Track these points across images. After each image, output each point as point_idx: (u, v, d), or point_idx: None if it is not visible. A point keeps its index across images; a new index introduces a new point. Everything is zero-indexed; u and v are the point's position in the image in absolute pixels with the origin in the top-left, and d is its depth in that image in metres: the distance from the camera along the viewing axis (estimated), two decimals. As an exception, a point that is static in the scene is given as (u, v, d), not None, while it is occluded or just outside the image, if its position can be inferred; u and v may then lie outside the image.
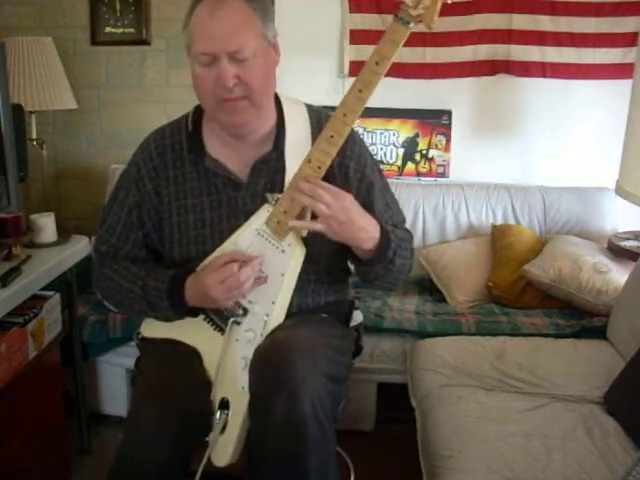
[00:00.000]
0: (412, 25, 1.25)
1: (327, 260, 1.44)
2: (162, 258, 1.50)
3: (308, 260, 1.38)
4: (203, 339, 1.41)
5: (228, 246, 1.39)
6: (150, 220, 1.47)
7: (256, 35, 1.31)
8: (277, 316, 1.35)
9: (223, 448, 1.33)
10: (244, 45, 1.28)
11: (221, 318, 1.39)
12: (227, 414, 1.33)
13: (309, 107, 1.48)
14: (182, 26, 1.35)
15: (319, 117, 1.45)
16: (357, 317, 1.57)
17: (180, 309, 1.39)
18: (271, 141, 1.42)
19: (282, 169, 1.39)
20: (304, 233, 1.35)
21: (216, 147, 1.43)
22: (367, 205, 1.44)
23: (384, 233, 1.36)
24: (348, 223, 1.29)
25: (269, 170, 1.42)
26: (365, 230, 1.33)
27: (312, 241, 1.36)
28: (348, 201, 1.30)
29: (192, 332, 1.43)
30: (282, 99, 1.46)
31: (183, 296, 1.37)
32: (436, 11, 1.24)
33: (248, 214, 1.39)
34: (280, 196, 1.33)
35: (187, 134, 1.45)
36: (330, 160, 1.31)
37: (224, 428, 1.33)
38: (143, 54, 2.96)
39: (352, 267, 1.52)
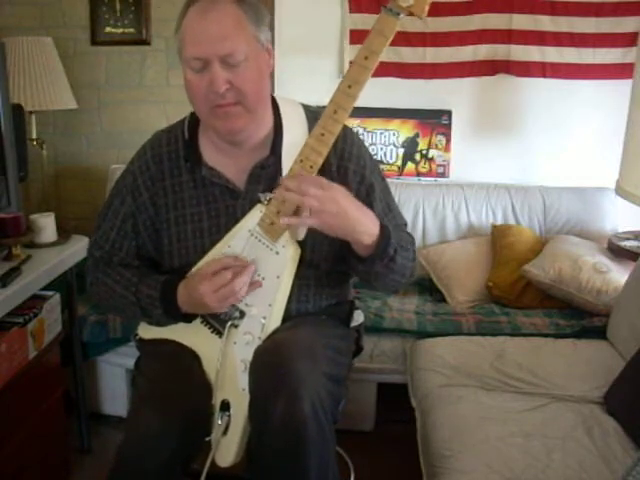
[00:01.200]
0: (402, 16, 1.21)
1: (327, 265, 1.43)
2: (158, 266, 1.49)
3: (308, 265, 1.37)
4: (201, 342, 1.41)
5: (221, 248, 1.37)
6: (146, 230, 1.45)
7: (248, 39, 1.28)
8: (274, 318, 1.34)
9: (226, 449, 1.33)
10: (236, 49, 1.26)
11: (218, 321, 1.38)
12: (229, 415, 1.33)
13: (306, 108, 1.46)
14: (174, 30, 1.33)
15: (317, 118, 1.44)
16: (358, 317, 1.57)
17: (174, 315, 1.39)
18: (268, 146, 1.40)
19: (280, 174, 1.37)
20: (301, 236, 1.33)
21: (212, 155, 1.42)
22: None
23: (384, 229, 1.31)
24: (342, 214, 1.24)
25: (267, 176, 1.40)
26: (362, 223, 1.27)
27: (312, 246, 1.35)
28: (339, 193, 1.25)
29: (190, 335, 1.42)
30: (279, 101, 1.44)
31: (176, 302, 1.36)
32: (427, 2, 1.20)
33: None
34: (272, 196, 1.31)
35: (183, 142, 1.43)
36: (322, 159, 1.28)
37: (226, 429, 1.33)
38: (143, 54, 2.96)
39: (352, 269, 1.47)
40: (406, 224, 1.54)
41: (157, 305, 1.38)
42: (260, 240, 1.33)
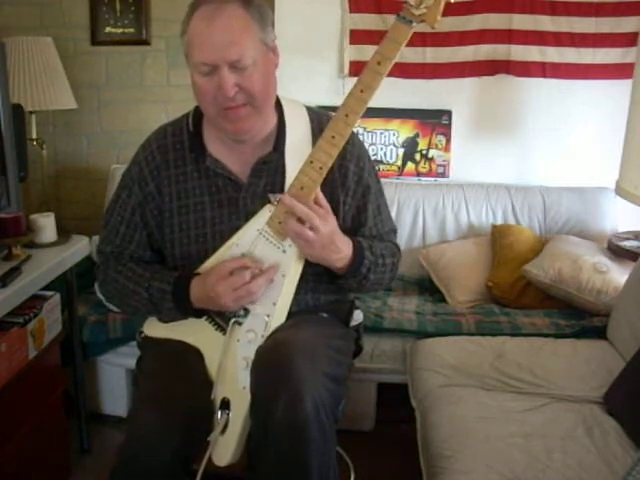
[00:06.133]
0: (415, 24, 1.25)
1: None
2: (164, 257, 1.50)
3: (308, 261, 1.38)
4: (205, 339, 1.41)
5: (229, 246, 1.39)
6: (153, 219, 1.47)
7: (255, 42, 1.30)
8: (278, 317, 1.35)
9: (224, 448, 1.33)
10: (244, 54, 1.28)
11: (223, 319, 1.39)
12: (228, 414, 1.33)
13: (309, 109, 1.48)
14: (180, 32, 1.34)
15: (320, 119, 1.45)
16: (357, 317, 1.58)
17: (185, 310, 1.39)
18: (271, 142, 1.43)
19: (282, 170, 1.40)
20: None
21: (217, 147, 1.44)
22: (360, 208, 1.47)
23: (357, 251, 1.37)
24: (328, 245, 1.31)
25: (269, 171, 1.42)
26: (338, 251, 1.34)
27: None
28: (334, 223, 1.32)
29: (194, 332, 1.43)
30: (282, 101, 1.47)
31: (188, 297, 1.37)
32: (439, 11, 1.24)
33: (249, 215, 1.40)
34: (282, 197, 1.33)
35: (188, 134, 1.46)
36: (332, 161, 1.31)
37: (225, 428, 1.33)
38: (143, 54, 2.96)
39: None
40: (395, 230, 1.58)
41: (168, 299, 1.38)
42: (268, 239, 1.35)
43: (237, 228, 1.40)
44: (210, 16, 1.27)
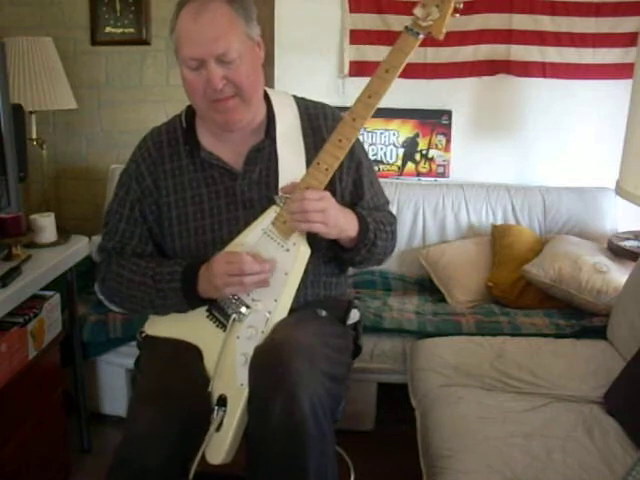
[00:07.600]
0: (421, 36, 1.31)
1: (324, 252, 1.46)
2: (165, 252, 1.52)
3: (313, 253, 1.40)
4: (205, 336, 1.42)
5: (235, 246, 1.40)
6: (152, 214, 1.49)
7: (240, 36, 1.35)
8: (279, 313, 1.37)
9: (218, 446, 1.33)
10: (230, 48, 1.32)
11: (224, 315, 1.40)
12: (224, 411, 1.33)
13: (297, 98, 1.53)
14: (169, 31, 1.41)
15: (307, 106, 1.51)
16: (354, 315, 1.58)
17: (191, 294, 1.39)
18: (262, 131, 1.46)
19: (275, 156, 1.44)
20: None
21: (210, 140, 1.48)
22: (357, 183, 1.52)
23: (360, 218, 1.41)
24: (336, 222, 1.34)
25: (263, 158, 1.46)
26: (348, 222, 1.38)
27: (308, 234, 1.38)
28: (332, 199, 1.34)
29: (194, 330, 1.44)
30: (269, 93, 1.50)
31: (196, 281, 1.38)
32: (444, 24, 1.30)
33: (246, 203, 1.44)
34: (287, 197, 1.36)
35: (182, 130, 1.49)
36: (338, 163, 1.34)
37: (220, 426, 1.33)
38: (143, 54, 2.96)
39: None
40: (388, 202, 1.62)
41: (177, 279, 1.39)
42: (272, 238, 1.37)
43: (235, 218, 1.43)
44: (196, 13, 1.33)
